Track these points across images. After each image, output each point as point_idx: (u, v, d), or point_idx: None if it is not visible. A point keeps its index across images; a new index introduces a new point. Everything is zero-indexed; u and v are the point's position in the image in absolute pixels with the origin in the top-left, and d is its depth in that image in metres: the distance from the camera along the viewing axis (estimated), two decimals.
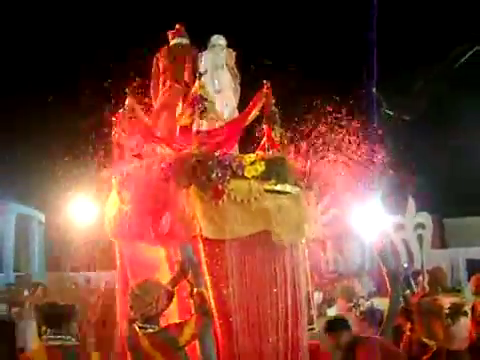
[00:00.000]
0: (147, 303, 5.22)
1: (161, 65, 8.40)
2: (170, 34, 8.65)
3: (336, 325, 6.83)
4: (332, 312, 12.77)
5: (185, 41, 8.43)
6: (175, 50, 8.28)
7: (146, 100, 8.59)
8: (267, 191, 6.79)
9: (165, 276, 6.66)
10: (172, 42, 8.54)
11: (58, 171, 11.49)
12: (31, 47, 19.57)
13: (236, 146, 7.70)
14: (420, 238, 26.78)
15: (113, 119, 7.64)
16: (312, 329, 7.94)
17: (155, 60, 8.58)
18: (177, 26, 8.67)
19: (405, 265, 20.64)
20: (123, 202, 7.17)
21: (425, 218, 26.64)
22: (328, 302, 16.83)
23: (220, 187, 6.44)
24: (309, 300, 13.16)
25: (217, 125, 7.38)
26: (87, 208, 11.22)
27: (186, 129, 7.33)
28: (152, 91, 8.55)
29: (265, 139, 7.47)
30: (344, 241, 25.87)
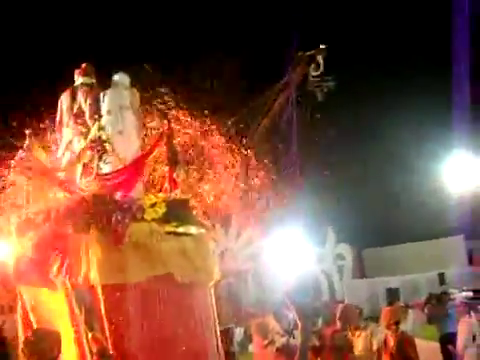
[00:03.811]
0: (41, 350, 5.06)
1: (64, 105, 8.23)
2: (76, 73, 8.52)
3: None
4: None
5: (89, 80, 8.26)
6: (77, 90, 8.13)
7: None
8: (169, 233, 6.71)
9: (66, 321, 6.49)
10: (76, 82, 8.40)
11: None
12: None
13: (141, 187, 7.59)
14: (340, 269, 27.24)
15: (12, 161, 7.42)
16: None
17: (59, 100, 8.42)
18: (83, 65, 8.54)
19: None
20: (23, 248, 6.96)
21: (344, 249, 27.14)
22: (250, 338, 16.79)
23: (120, 230, 6.32)
24: (231, 336, 13.03)
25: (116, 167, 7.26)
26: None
27: (87, 171, 7.19)
28: (57, 132, 8.39)
29: (167, 180, 7.41)
30: (265, 275, 26.01)
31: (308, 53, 7.91)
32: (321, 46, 7.85)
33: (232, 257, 27.72)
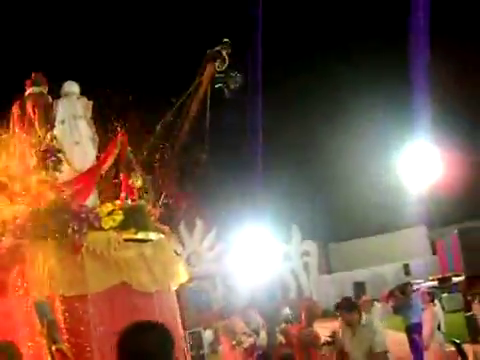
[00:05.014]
0: None
1: (15, 116, 8.10)
2: (27, 83, 8.38)
3: None
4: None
5: (38, 89, 8.10)
6: (26, 100, 7.99)
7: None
8: (127, 240, 6.65)
9: (25, 334, 6.39)
10: (27, 92, 8.26)
11: None
12: None
13: (96, 196, 7.50)
14: (306, 266, 27.38)
15: None
16: None
17: (12, 112, 8.28)
18: (33, 75, 8.40)
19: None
20: None
21: (310, 245, 27.27)
22: (219, 339, 16.76)
23: (77, 240, 6.24)
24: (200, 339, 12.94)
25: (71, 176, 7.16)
26: None
27: (42, 181, 7.07)
28: (11, 144, 8.24)
29: (123, 187, 7.34)
30: (232, 276, 26.02)
31: (215, 49, 7.67)
32: (224, 40, 7.62)
33: (198, 260, 27.60)
